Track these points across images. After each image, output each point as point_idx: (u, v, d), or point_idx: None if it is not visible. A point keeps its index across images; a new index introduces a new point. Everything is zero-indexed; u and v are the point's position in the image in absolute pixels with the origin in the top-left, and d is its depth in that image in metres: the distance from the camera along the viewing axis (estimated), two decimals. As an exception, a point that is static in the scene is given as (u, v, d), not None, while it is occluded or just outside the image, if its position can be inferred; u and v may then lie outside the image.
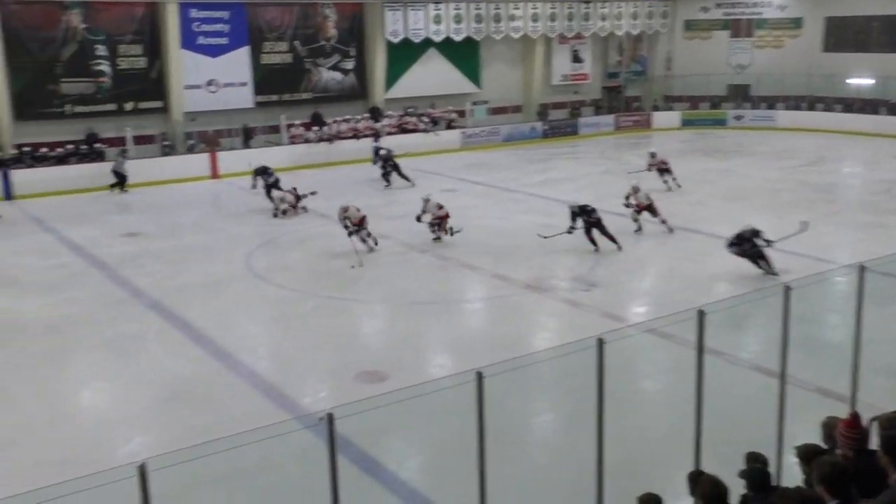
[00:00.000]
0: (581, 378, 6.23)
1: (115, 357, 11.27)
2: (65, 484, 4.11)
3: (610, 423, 6.03)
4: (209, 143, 26.73)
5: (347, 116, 29.30)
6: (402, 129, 30.18)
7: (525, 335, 11.91)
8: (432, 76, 31.82)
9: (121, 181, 23.65)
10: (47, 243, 17.89)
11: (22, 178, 23.26)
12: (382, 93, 30.86)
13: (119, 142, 25.54)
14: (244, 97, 28.03)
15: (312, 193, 19.67)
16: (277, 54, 28.71)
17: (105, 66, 25.63)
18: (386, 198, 22.00)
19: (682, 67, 36.50)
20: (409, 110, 31.00)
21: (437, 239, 16.55)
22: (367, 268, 15.29)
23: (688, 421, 6.50)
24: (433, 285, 14.25)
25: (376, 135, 29.04)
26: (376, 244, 16.12)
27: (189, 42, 26.80)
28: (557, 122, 34.23)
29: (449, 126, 31.29)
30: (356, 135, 28.88)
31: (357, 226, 15.86)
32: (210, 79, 27.31)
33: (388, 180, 23.14)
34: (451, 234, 16.48)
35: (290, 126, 28.10)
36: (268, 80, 28.48)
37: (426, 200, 16.88)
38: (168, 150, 26.33)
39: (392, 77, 31.09)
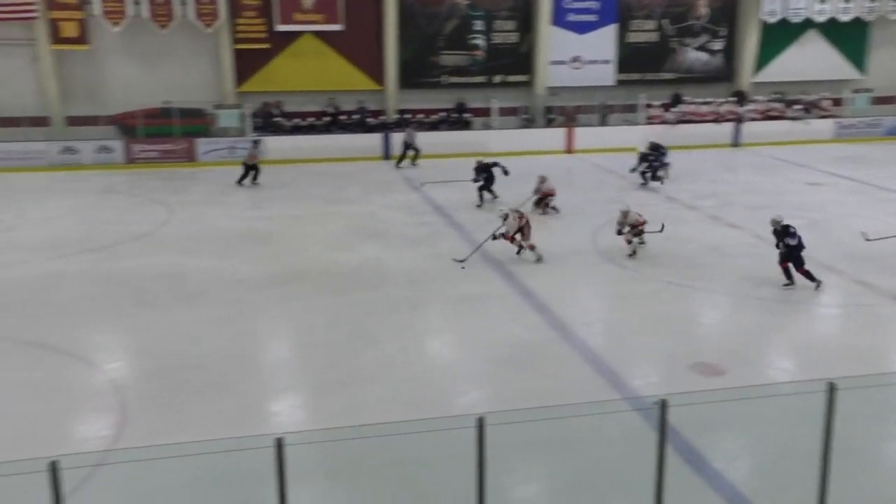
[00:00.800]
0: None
1: (460, 313, 12.10)
2: (415, 422, 4.55)
3: None
4: (568, 118, 27.38)
5: (709, 99, 28.29)
6: (767, 116, 28.43)
7: (887, 351, 10.75)
8: (808, 60, 29.49)
9: (414, 153, 24.10)
10: (415, 202, 19.64)
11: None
12: (750, 76, 29.31)
13: (484, 112, 27.16)
14: (606, 75, 28.30)
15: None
16: (644, 33, 28.52)
17: (480, 41, 27.41)
18: (739, 186, 20.99)
19: None
20: (776, 96, 29.06)
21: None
22: (711, 257, 14.72)
23: None
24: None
25: (739, 120, 27.74)
26: (536, 254, 14.39)
27: (559, 18, 27.61)
28: (957, 116, 30.01)
29: (820, 115, 28.85)
30: (717, 119, 27.81)
31: (502, 234, 14.44)
32: (575, 55, 27.96)
33: (644, 179, 20.83)
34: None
35: (648, 106, 27.80)
36: (631, 59, 28.46)
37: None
38: (527, 123, 27.44)
39: (763, 60, 29.37)
